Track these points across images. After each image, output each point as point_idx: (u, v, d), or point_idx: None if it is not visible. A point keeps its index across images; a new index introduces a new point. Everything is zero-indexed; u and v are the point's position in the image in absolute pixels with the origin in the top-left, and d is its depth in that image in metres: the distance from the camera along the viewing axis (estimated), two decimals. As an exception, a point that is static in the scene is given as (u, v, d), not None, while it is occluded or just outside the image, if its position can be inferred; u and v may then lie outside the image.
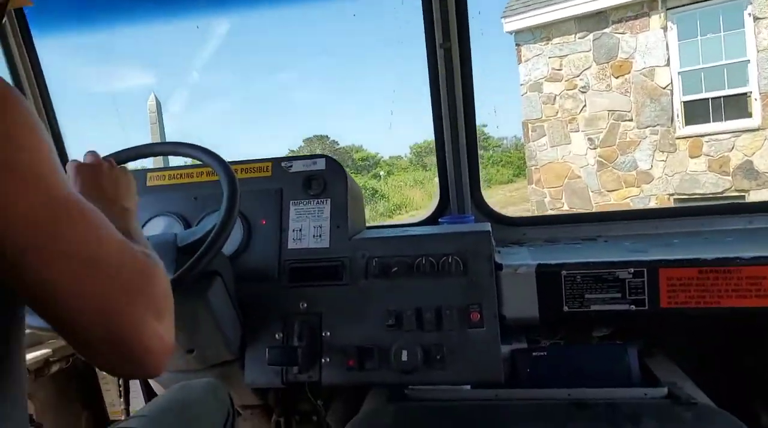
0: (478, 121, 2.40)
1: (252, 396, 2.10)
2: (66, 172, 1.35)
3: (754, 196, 9.25)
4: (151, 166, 2.25)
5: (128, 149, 1.81)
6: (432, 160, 16.62)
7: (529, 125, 11.13)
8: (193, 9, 2.74)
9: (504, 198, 13.76)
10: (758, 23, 9.21)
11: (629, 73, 10.22)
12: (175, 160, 1.91)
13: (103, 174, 1.36)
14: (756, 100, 9.44)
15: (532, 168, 11.28)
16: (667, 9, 9.84)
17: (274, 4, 2.87)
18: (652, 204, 10.09)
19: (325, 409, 2.13)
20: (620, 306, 1.76)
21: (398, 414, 1.74)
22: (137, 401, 2.43)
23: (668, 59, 9.95)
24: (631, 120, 10.27)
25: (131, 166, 1.93)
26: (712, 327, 2.11)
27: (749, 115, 9.59)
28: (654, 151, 10.15)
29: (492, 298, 1.77)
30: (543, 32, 10.84)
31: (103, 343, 0.84)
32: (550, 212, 10.50)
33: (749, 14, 9.32)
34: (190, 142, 1.77)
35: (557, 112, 10.83)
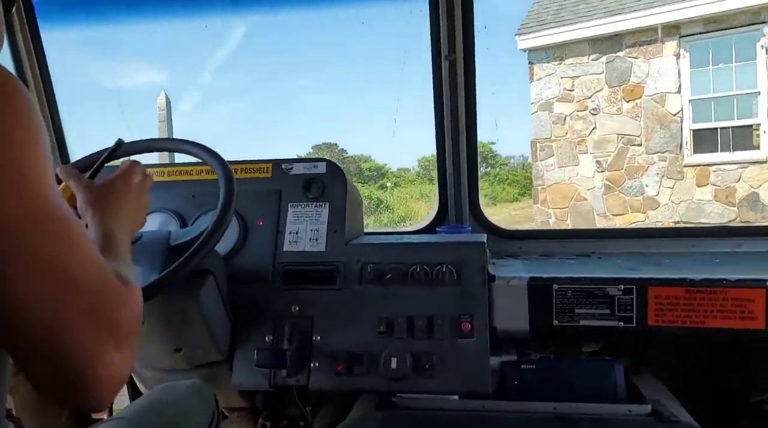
0: (487, 138, 2.45)
1: (239, 398, 2.08)
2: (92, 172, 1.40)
3: (760, 229, 9.24)
4: (157, 163, 2.26)
5: (127, 144, 1.79)
6: (439, 174, 16.62)
7: (538, 144, 11.15)
8: (208, 8, 2.78)
9: (508, 216, 13.78)
10: (771, 56, 9.24)
11: (640, 97, 10.26)
12: (180, 157, 1.92)
13: (130, 190, 1.37)
14: (765, 132, 9.49)
15: (539, 187, 11.29)
16: (681, 36, 9.90)
17: (284, 7, 2.91)
18: (656, 230, 10.10)
19: (313, 415, 2.14)
20: (609, 323, 1.79)
21: (385, 422, 1.76)
22: (123, 399, 2.41)
23: (680, 86, 10.00)
24: (640, 145, 10.29)
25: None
26: (698, 347, 2.14)
27: (757, 147, 9.63)
28: (661, 177, 10.17)
29: (483, 309, 1.79)
30: (556, 52, 10.89)
31: (48, 363, 0.79)
32: (553, 232, 10.51)
33: (762, 46, 9.38)
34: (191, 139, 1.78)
35: (567, 133, 10.86)
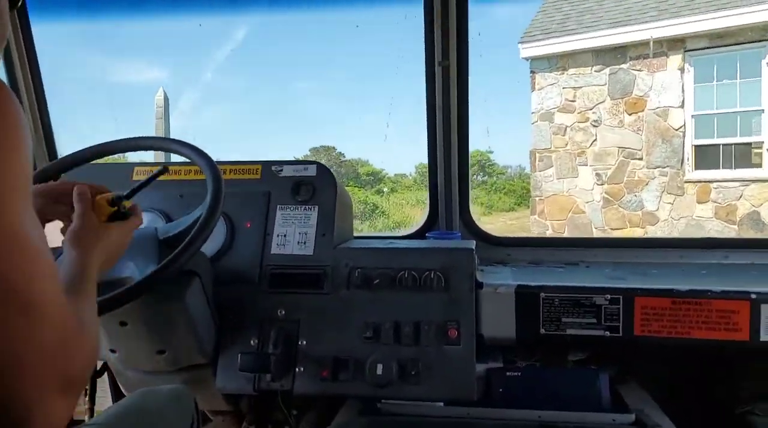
0: (484, 146, 2.49)
1: (223, 402, 2.10)
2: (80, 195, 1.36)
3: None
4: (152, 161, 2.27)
5: (116, 142, 1.83)
6: (436, 180, 16.70)
7: (537, 155, 11.16)
8: (208, 8, 2.82)
9: (504, 225, 13.81)
10: (776, 73, 9.28)
11: (643, 110, 10.29)
12: (177, 157, 1.94)
13: (125, 236, 1.39)
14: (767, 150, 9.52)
15: (537, 198, 11.30)
16: (686, 51, 9.93)
17: (281, 7, 2.95)
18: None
19: (297, 419, 2.16)
20: (595, 332, 1.83)
21: None
22: (106, 401, 2.43)
23: (683, 101, 10.03)
24: (641, 159, 10.31)
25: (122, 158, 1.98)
26: (683, 357, 2.18)
27: (759, 165, 9.67)
28: (662, 192, 10.19)
29: (470, 316, 1.82)
30: (559, 61, 10.91)
31: None
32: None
33: (767, 63, 9.43)
34: (180, 139, 1.80)
35: (567, 144, 10.87)
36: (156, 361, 1.84)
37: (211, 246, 1.94)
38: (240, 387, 1.87)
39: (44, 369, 0.79)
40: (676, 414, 1.83)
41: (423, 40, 2.40)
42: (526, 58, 11.16)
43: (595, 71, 10.63)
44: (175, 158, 1.95)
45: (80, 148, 1.84)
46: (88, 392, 2.26)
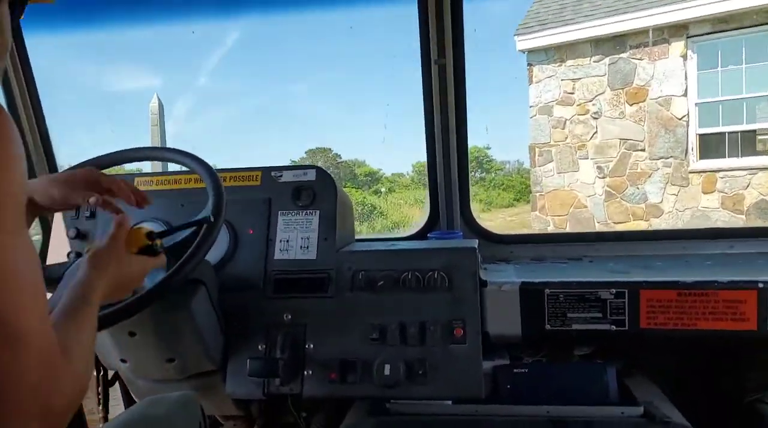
0: (481, 142, 2.53)
1: (233, 406, 2.16)
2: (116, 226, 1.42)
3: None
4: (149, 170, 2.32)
5: (114, 153, 1.89)
6: (434, 178, 16.79)
7: (536, 149, 11.15)
8: (200, 13, 2.87)
9: (504, 222, 13.87)
10: (783, 57, 9.25)
11: (644, 101, 10.26)
12: (174, 166, 1.99)
13: (141, 271, 1.45)
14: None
15: (537, 194, 11.29)
16: (688, 37, 9.88)
17: (279, 11, 3.00)
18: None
19: (307, 421, 2.22)
20: (601, 326, 1.89)
21: None
22: (119, 408, 2.48)
23: (686, 89, 9.99)
24: (643, 150, 10.29)
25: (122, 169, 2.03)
26: (690, 349, 2.24)
27: (766, 152, 9.65)
28: (666, 183, 10.17)
29: (476, 315, 1.88)
30: (557, 53, 10.88)
31: None
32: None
33: (774, 47, 9.35)
34: (178, 148, 1.85)
35: (566, 137, 10.85)
36: (165, 370, 1.91)
37: (214, 253, 2.00)
38: (250, 392, 1.93)
39: (25, 399, 0.81)
40: (684, 406, 1.88)
41: (418, 38, 2.45)
42: (523, 51, 11.12)
43: (594, 61, 10.60)
44: (173, 166, 1.99)
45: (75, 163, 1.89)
46: (101, 401, 2.33)
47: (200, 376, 1.98)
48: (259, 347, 1.95)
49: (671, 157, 10.12)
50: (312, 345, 1.92)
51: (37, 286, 0.87)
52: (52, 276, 1.63)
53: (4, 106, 2.55)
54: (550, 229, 10.92)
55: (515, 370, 2.05)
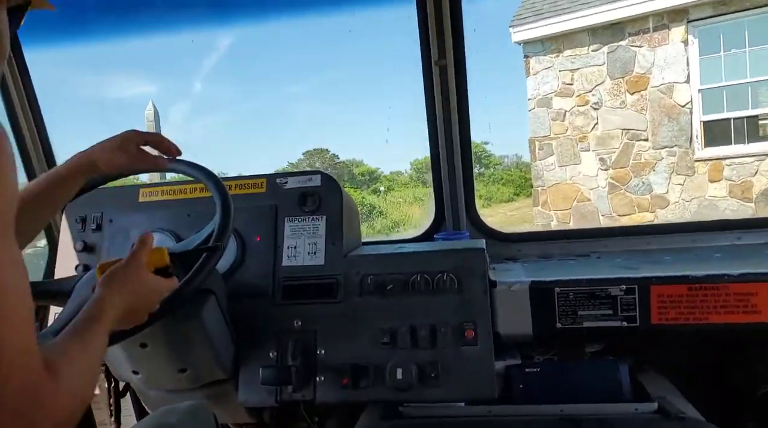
0: (480, 138, 2.58)
1: (246, 414, 2.20)
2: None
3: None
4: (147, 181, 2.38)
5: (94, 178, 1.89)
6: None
7: (537, 143, 11.16)
8: (194, 20, 2.92)
9: (504, 217, 13.94)
10: (788, 38, 9.22)
11: (646, 89, 10.28)
12: (169, 175, 2.04)
13: (157, 294, 1.45)
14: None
15: (539, 189, 11.31)
16: (689, 21, 9.89)
17: (272, 17, 3.05)
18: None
19: (320, 426, 2.27)
20: (612, 323, 1.94)
21: None
22: (131, 419, 2.53)
23: (688, 75, 10.02)
24: (646, 140, 10.30)
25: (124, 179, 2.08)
26: (701, 343, 2.30)
27: (773, 138, 9.62)
28: (671, 173, 10.19)
29: (486, 316, 1.93)
30: (554, 43, 10.90)
31: None
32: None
33: (778, 29, 9.33)
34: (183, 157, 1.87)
35: (567, 130, 10.87)
36: (178, 380, 1.96)
37: (223, 262, 2.03)
38: (262, 399, 1.99)
39: (3, 418, 0.81)
40: (697, 400, 1.94)
41: (415, 40, 2.51)
42: (519, 42, 11.13)
43: (592, 51, 10.62)
44: (170, 175, 2.04)
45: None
46: (113, 412, 2.37)
47: (212, 385, 2.02)
48: (270, 354, 1.99)
49: (675, 145, 10.13)
50: (323, 351, 1.97)
51: (21, 300, 0.86)
52: (63, 290, 1.69)
53: (5, 115, 2.62)
54: (554, 224, 10.96)
55: (527, 370, 2.10)
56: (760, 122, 9.83)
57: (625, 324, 1.93)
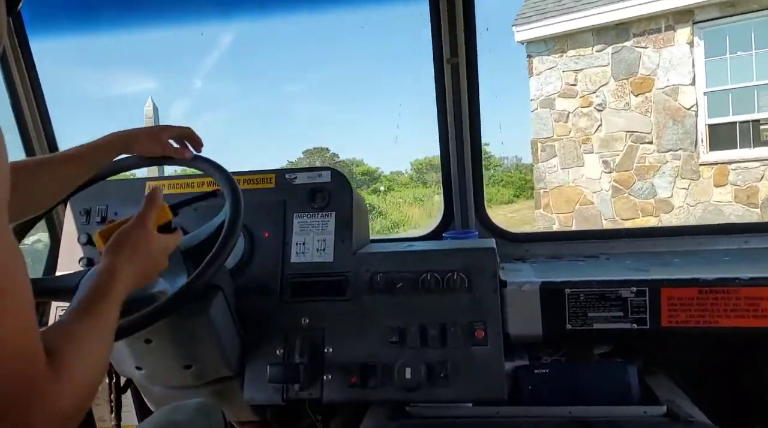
0: (487, 138, 2.61)
1: (250, 412, 2.20)
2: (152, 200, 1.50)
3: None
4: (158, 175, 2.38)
5: (126, 157, 1.91)
6: (432, 176, 16.95)
7: (539, 144, 11.19)
8: (197, 16, 2.95)
9: (505, 219, 13.99)
10: (794, 41, 9.24)
11: (650, 91, 10.32)
12: (168, 169, 2.06)
13: (163, 252, 1.44)
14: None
15: (541, 191, 11.33)
16: (695, 23, 9.92)
17: (280, 13, 3.07)
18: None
19: (325, 425, 2.27)
20: (622, 325, 1.97)
21: None
22: (130, 416, 2.53)
23: (694, 78, 10.05)
24: (650, 142, 10.34)
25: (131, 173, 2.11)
26: (711, 347, 2.32)
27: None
28: (675, 177, 10.21)
29: (496, 316, 1.95)
30: (557, 43, 10.94)
31: None
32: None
33: (784, 31, 9.35)
34: None
35: (570, 131, 10.89)
36: (183, 376, 1.97)
37: (231, 258, 2.03)
38: (268, 397, 1.99)
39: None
40: (705, 404, 1.96)
41: (422, 38, 2.55)
42: (522, 42, 11.16)
43: (597, 51, 10.65)
44: (168, 170, 2.06)
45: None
46: (113, 408, 2.36)
47: (217, 382, 2.03)
48: (277, 352, 2.00)
49: (680, 149, 10.15)
50: (331, 349, 1.98)
51: (19, 290, 0.80)
52: (67, 286, 1.66)
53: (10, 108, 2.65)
54: (555, 227, 10.96)
55: (536, 371, 2.12)
56: (762, 127, 9.84)
57: (635, 326, 1.95)
